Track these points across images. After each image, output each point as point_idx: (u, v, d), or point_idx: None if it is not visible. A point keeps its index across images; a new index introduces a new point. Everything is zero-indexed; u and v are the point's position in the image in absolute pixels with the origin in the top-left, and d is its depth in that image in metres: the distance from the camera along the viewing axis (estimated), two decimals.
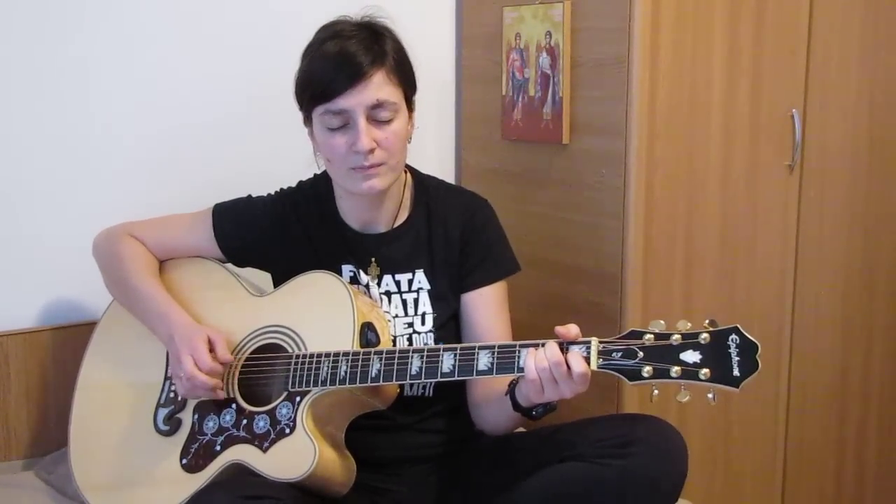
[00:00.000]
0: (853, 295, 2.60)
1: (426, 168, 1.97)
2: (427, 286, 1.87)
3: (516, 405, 1.69)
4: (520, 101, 2.40)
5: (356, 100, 1.71)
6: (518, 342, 1.62)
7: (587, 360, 1.55)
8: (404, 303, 1.86)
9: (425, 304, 1.87)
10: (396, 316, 1.85)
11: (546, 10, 2.29)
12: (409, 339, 1.85)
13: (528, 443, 1.80)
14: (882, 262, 2.64)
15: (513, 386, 1.70)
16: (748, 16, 2.29)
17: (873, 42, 2.51)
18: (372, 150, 1.73)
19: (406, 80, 1.79)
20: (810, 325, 2.53)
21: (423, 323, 1.86)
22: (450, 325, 1.88)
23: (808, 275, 2.50)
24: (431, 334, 1.85)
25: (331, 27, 1.78)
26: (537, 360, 1.57)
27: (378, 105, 1.72)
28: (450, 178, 2.65)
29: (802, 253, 2.48)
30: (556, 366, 1.55)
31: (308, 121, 1.81)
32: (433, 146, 2.66)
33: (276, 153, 2.39)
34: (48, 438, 2.15)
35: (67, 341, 2.13)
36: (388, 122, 1.75)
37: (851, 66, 2.49)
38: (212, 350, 1.75)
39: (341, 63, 1.72)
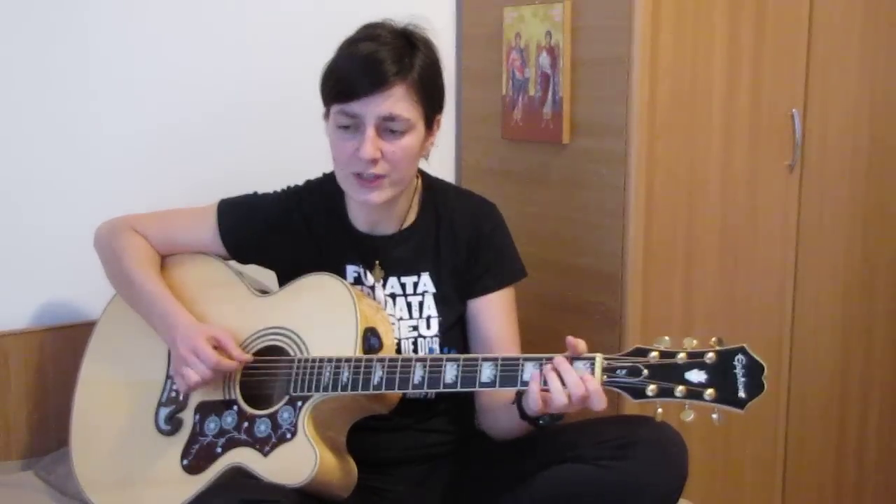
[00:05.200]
0: (853, 295, 2.60)
1: (426, 168, 1.96)
2: (433, 289, 1.86)
3: (523, 414, 1.68)
4: (520, 101, 2.40)
5: (370, 108, 1.70)
6: (521, 355, 1.61)
7: (591, 374, 1.54)
8: (409, 306, 1.85)
9: (430, 308, 1.86)
10: (401, 319, 1.85)
11: (546, 9, 2.29)
12: (414, 343, 1.84)
13: (528, 444, 1.79)
14: (882, 263, 2.64)
15: (520, 395, 1.68)
16: (748, 15, 2.28)
17: (873, 42, 2.51)
18: (375, 161, 1.72)
19: (428, 99, 1.76)
20: (810, 325, 2.53)
21: (428, 327, 1.85)
22: (455, 330, 1.88)
23: (808, 275, 2.50)
24: (437, 339, 1.84)
25: (370, 28, 1.76)
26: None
27: (391, 118, 1.71)
28: (450, 178, 2.64)
29: (802, 253, 2.48)
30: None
31: (327, 115, 1.79)
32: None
33: (279, 151, 2.39)
34: (48, 438, 2.15)
35: (67, 341, 2.13)
36: (399, 136, 1.73)
37: (851, 66, 2.49)
38: (216, 347, 1.74)
39: (367, 67, 1.70)
